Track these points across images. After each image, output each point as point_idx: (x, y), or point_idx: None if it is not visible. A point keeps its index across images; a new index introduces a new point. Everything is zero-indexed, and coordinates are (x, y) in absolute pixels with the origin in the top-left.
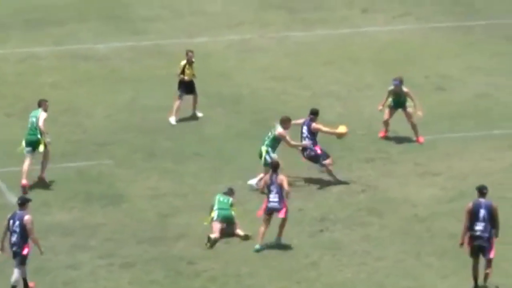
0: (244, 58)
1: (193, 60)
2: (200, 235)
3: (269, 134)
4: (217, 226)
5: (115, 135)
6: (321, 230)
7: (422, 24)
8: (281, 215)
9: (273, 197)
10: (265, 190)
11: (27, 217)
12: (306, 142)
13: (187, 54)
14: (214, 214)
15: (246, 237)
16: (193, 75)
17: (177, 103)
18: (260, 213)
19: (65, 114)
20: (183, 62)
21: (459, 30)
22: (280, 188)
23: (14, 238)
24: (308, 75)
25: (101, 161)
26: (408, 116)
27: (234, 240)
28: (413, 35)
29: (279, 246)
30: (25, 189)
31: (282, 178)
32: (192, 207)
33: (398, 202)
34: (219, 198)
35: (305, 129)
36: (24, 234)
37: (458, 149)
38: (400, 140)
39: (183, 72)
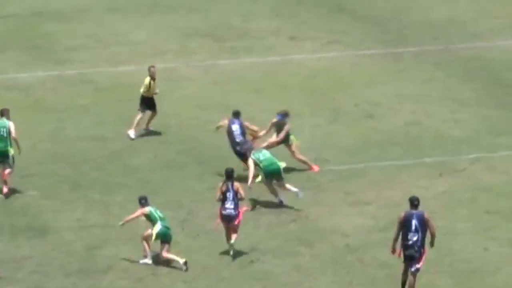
0: (170, 87)
1: (155, 76)
2: (128, 267)
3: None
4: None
5: (40, 165)
6: (251, 261)
7: (351, 52)
8: (236, 222)
9: (230, 204)
10: (218, 198)
11: None
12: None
13: (149, 70)
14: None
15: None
16: (155, 92)
17: (138, 116)
18: (217, 223)
19: None
20: (147, 79)
21: (388, 57)
22: (236, 194)
23: None
24: (236, 103)
25: (26, 192)
26: (292, 153)
27: (162, 269)
28: (342, 62)
29: (209, 278)
30: None
31: (237, 185)
32: (120, 238)
33: (329, 231)
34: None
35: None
36: None
37: (389, 177)
38: (329, 168)
39: (149, 88)
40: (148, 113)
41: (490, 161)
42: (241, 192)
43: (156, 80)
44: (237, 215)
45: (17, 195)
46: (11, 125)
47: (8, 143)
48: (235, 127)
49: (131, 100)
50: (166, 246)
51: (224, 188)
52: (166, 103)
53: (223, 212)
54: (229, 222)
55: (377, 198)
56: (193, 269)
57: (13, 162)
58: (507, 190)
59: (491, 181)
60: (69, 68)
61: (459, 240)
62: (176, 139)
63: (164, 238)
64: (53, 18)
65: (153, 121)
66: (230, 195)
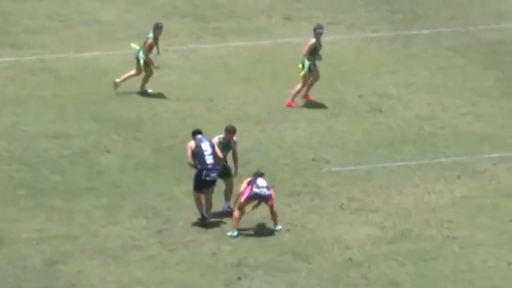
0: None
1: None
2: (94, 285)
3: None
4: None
5: None
6: (239, 278)
7: (355, 34)
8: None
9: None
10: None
11: None
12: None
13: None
14: None
15: None
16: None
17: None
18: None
19: None
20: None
21: (398, 41)
22: None
23: None
24: (221, 95)
25: None
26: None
27: None
28: (345, 46)
29: None
30: None
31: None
32: (85, 251)
33: (329, 243)
34: None
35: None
36: None
37: (399, 180)
38: (330, 170)
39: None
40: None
41: None
42: None
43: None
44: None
45: None
46: None
47: None
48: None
49: (99, 91)
50: None
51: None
52: (139, 94)
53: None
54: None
55: (385, 205)
56: (170, 286)
57: None
58: None
59: None
60: (27, 54)
61: (480, 253)
62: (150, 136)
63: None
64: None
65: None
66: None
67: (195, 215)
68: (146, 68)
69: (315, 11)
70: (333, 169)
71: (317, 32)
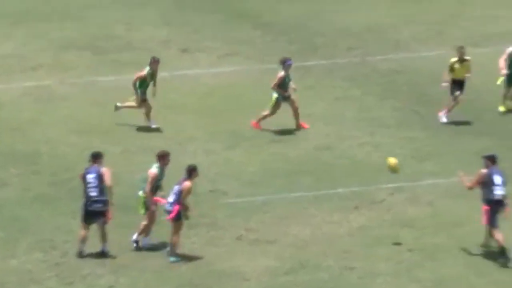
0: (42, 109)
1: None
2: None
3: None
4: None
5: None
6: None
7: (253, 65)
8: (169, 217)
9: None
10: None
11: None
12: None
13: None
14: None
15: None
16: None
17: None
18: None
19: None
20: None
21: (296, 71)
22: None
23: None
24: (118, 127)
25: None
26: None
27: None
28: (242, 77)
29: None
30: None
31: (187, 185)
32: None
33: (227, 275)
34: None
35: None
36: None
37: (296, 211)
38: (227, 201)
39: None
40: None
41: (413, 191)
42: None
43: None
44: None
45: None
46: None
47: None
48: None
49: None
50: None
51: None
52: (36, 127)
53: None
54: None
55: (282, 236)
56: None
57: None
58: (432, 224)
59: (414, 214)
60: None
61: (378, 283)
62: (48, 170)
63: None
64: None
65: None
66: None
67: (93, 248)
68: (143, 102)
69: (212, 43)
70: (231, 200)
71: (288, 64)
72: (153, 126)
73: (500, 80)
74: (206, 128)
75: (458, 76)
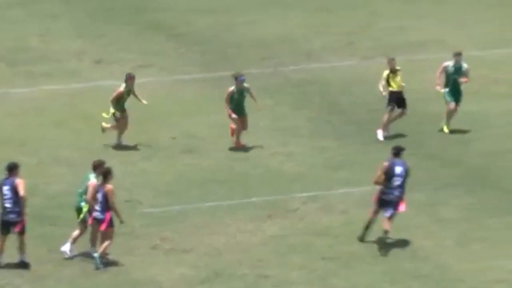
0: None
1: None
2: None
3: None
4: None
5: None
6: None
7: (166, 76)
8: (102, 227)
9: (98, 207)
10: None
11: None
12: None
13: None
14: None
15: None
16: None
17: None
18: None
19: None
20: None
21: (209, 82)
22: (105, 198)
23: None
24: (34, 138)
25: None
26: None
27: None
28: (156, 88)
29: None
30: None
31: (109, 188)
32: None
33: (143, 283)
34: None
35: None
36: None
37: (210, 221)
38: (143, 211)
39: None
40: None
41: (326, 200)
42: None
43: None
44: (104, 219)
45: None
46: None
47: None
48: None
49: None
50: None
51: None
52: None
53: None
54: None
55: (197, 245)
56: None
57: None
58: (346, 232)
59: (328, 223)
60: None
61: None
62: None
63: None
64: None
65: None
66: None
67: (11, 258)
68: (117, 120)
69: (126, 54)
70: (146, 210)
71: (240, 80)
72: (123, 143)
73: (445, 96)
74: (121, 139)
75: (395, 88)
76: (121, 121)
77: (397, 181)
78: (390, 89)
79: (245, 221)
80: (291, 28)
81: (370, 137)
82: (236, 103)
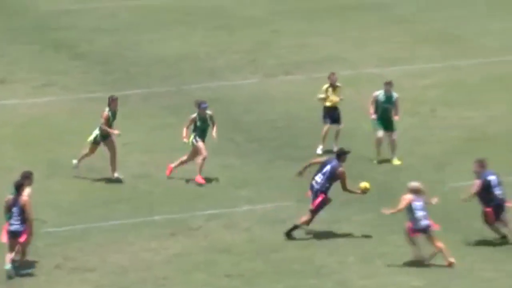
0: None
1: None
2: None
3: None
4: None
5: None
6: None
7: (70, 95)
8: (22, 239)
9: (15, 220)
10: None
11: None
12: None
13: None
14: None
15: None
16: None
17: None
18: (3, 238)
19: None
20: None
21: None
22: (22, 210)
23: None
24: None
25: None
26: None
27: None
28: (59, 108)
29: None
30: None
31: (25, 200)
32: None
33: None
34: None
35: None
36: None
37: (114, 239)
38: (46, 231)
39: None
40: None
41: (229, 218)
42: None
43: None
44: (23, 231)
45: None
46: None
47: None
48: None
49: None
50: None
51: (10, 202)
52: None
53: (10, 228)
54: (14, 238)
55: (101, 264)
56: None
57: None
58: (250, 249)
59: (231, 240)
60: None
61: None
62: None
63: None
64: None
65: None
66: (16, 210)
67: None
68: (92, 146)
69: (29, 74)
70: (50, 229)
71: (202, 107)
72: (75, 163)
73: (373, 124)
74: (24, 158)
75: (330, 102)
76: (93, 148)
77: (319, 177)
78: (325, 104)
79: (148, 240)
80: (194, 47)
81: (274, 155)
82: (201, 129)
